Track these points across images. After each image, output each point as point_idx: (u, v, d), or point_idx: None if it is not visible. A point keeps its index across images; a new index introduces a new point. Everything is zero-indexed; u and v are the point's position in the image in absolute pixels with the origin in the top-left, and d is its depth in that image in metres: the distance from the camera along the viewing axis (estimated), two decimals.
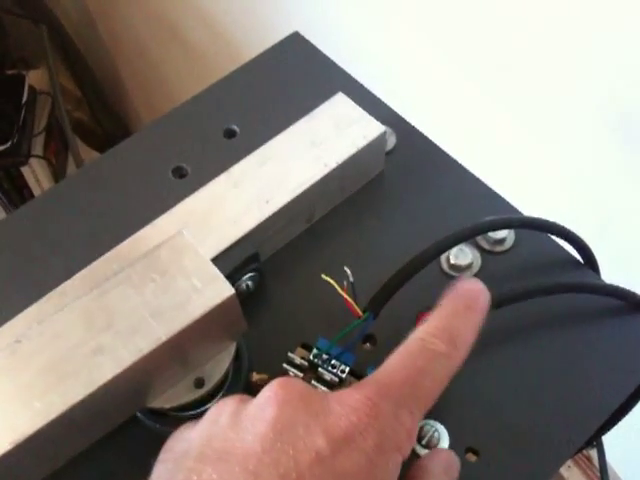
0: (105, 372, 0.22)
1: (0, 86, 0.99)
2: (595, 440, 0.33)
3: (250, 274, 0.28)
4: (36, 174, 0.96)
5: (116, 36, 1.05)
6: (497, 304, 0.28)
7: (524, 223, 0.30)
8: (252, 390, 0.27)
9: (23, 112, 0.96)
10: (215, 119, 0.36)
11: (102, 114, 1.21)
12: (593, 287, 0.29)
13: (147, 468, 0.25)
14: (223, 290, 0.22)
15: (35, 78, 1.03)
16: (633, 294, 0.29)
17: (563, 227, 0.29)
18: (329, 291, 0.27)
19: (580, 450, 0.32)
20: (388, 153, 0.34)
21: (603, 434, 0.34)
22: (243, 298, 0.28)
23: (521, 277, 0.30)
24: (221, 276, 0.23)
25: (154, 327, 0.22)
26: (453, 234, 0.28)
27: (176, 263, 0.23)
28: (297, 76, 0.38)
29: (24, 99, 0.97)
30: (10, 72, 1.02)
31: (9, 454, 0.21)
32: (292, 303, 0.30)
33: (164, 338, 0.22)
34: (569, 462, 0.40)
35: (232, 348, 0.25)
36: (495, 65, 0.46)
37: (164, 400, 0.24)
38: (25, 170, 0.95)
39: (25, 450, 0.22)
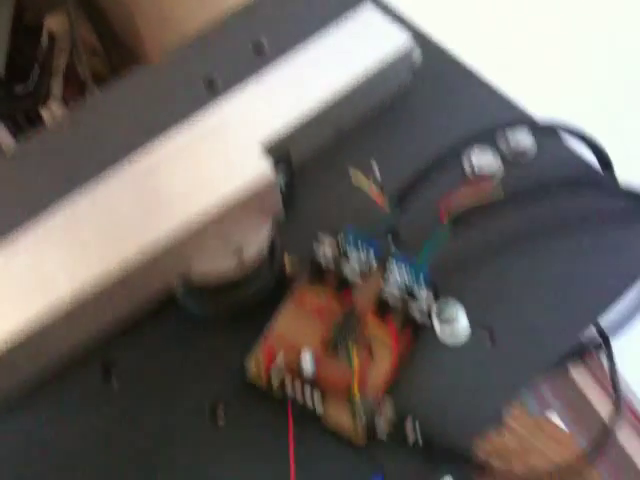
0: (153, 238, 0.23)
1: (19, 29, 1.00)
2: (604, 344, 0.34)
3: (282, 174, 0.30)
4: (55, 116, 0.97)
5: None
6: (517, 201, 0.29)
7: (543, 125, 0.31)
8: (284, 275, 0.29)
9: (42, 55, 0.97)
10: (243, 35, 0.37)
11: (118, 63, 1.22)
12: (613, 188, 0.31)
13: (185, 350, 0.27)
14: (265, 169, 0.24)
15: (53, 22, 1.04)
16: None
17: (581, 131, 0.31)
18: (358, 194, 0.28)
19: (585, 354, 0.35)
20: (414, 68, 0.36)
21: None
22: None
23: (543, 183, 0.32)
24: (263, 156, 0.24)
25: (196, 199, 0.24)
26: (474, 134, 0.29)
27: (221, 143, 0.25)
28: None
29: (43, 43, 0.98)
30: (29, 16, 1.03)
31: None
32: (321, 205, 0.31)
33: (208, 210, 0.23)
34: (582, 368, 0.42)
35: (268, 228, 0.27)
36: None
37: (205, 268, 0.26)
38: (44, 112, 0.96)
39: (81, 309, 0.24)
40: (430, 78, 0.36)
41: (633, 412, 0.43)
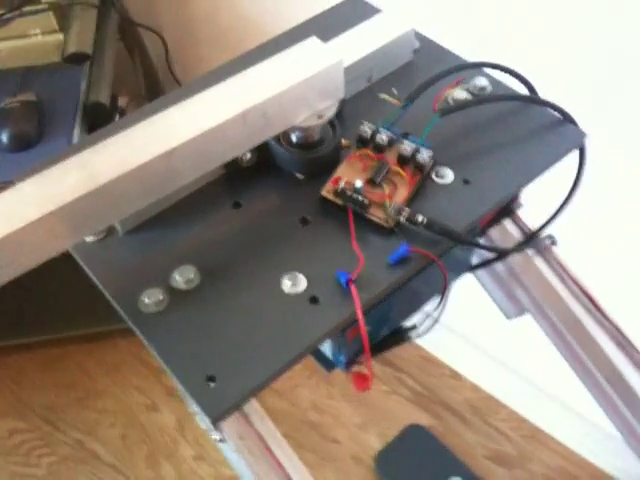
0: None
1: None
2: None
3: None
4: None
5: None
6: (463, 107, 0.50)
7: (492, 65, 0.52)
8: (340, 147, 0.49)
9: None
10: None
11: None
12: (534, 99, 0.51)
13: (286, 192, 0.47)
14: (333, 55, 0.44)
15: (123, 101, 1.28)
16: (563, 111, 0.51)
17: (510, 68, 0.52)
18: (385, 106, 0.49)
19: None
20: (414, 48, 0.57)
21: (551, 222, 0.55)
22: None
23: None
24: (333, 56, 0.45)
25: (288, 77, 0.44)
26: (457, 67, 0.51)
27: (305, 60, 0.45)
28: None
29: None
30: None
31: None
32: (361, 111, 0.51)
33: (301, 78, 0.43)
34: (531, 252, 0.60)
35: (336, 105, 0.47)
36: None
37: (302, 124, 0.46)
38: None
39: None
40: (423, 55, 0.57)
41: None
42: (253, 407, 0.49)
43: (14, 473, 1.23)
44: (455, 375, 1.33)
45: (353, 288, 0.42)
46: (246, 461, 0.49)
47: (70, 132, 0.93)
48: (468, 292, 0.73)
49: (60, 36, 0.98)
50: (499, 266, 0.64)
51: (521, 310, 0.68)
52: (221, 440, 0.53)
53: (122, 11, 1.13)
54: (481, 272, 0.67)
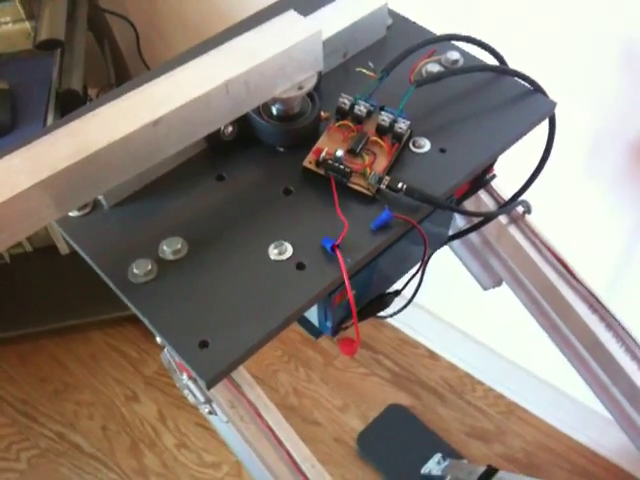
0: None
1: None
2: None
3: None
4: None
5: None
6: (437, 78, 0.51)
7: (463, 38, 0.54)
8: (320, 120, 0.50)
9: None
10: None
11: None
12: (505, 70, 0.53)
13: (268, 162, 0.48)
14: (311, 27, 0.45)
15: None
16: (533, 81, 0.53)
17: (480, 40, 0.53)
18: (361, 78, 0.50)
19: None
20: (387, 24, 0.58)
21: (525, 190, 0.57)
22: None
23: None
24: (313, 29, 0.46)
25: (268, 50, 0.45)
26: (429, 40, 0.52)
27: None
28: None
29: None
30: None
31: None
32: (338, 85, 0.52)
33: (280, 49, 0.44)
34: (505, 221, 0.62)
35: (315, 77, 0.48)
36: None
37: (281, 95, 0.46)
38: None
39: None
40: (396, 31, 0.58)
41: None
42: (242, 376, 0.50)
43: None
44: (431, 355, 1.35)
45: (338, 253, 0.43)
46: (237, 429, 0.50)
47: (43, 119, 0.92)
48: (441, 272, 0.75)
49: (30, 24, 0.98)
50: (474, 237, 0.66)
51: (497, 280, 0.70)
52: (210, 412, 0.54)
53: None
54: (457, 244, 0.69)
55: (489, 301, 1.17)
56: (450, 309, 1.27)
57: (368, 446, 1.23)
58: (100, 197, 0.47)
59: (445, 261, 0.70)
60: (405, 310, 0.55)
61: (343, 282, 0.43)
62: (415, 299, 0.54)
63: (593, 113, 0.79)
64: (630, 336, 0.61)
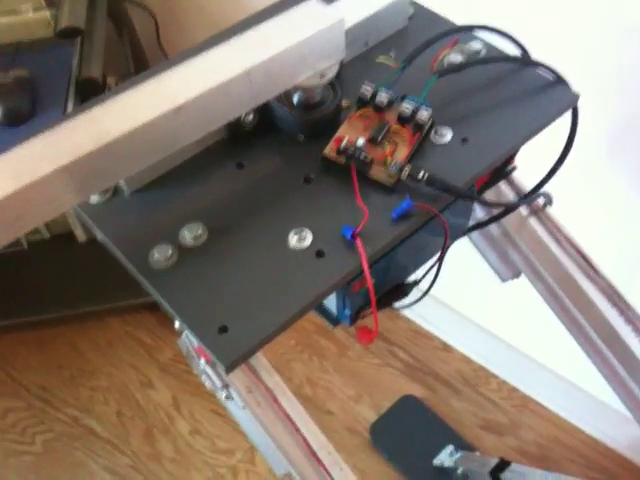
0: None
1: None
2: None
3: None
4: None
5: None
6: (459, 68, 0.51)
7: (486, 28, 0.53)
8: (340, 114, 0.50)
9: None
10: None
11: None
12: (527, 60, 0.53)
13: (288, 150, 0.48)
14: (333, 15, 0.45)
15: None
16: (556, 72, 0.52)
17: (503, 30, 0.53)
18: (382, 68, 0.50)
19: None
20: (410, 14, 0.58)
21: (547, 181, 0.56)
22: None
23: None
24: (336, 20, 0.46)
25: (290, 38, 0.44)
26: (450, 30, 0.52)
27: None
28: None
29: None
30: None
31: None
32: (359, 74, 0.52)
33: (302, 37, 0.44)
34: (527, 213, 0.61)
35: (337, 66, 0.48)
36: None
37: (304, 83, 0.46)
38: None
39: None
40: (417, 21, 0.58)
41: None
42: (260, 362, 0.50)
43: (9, 450, 1.23)
44: (446, 347, 1.35)
45: (358, 241, 0.44)
46: (254, 414, 0.50)
47: (63, 107, 0.93)
48: (457, 264, 0.75)
49: (50, 12, 0.98)
50: (494, 229, 0.66)
51: (515, 272, 0.70)
52: (228, 397, 0.54)
53: None
54: (476, 235, 0.68)
55: (505, 294, 1.16)
56: (466, 301, 1.27)
57: (381, 436, 1.24)
58: (121, 183, 0.47)
59: (461, 253, 0.70)
60: (420, 302, 0.55)
61: (362, 271, 0.44)
62: (430, 291, 0.54)
63: (617, 105, 0.78)
64: None
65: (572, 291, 0.62)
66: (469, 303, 1.27)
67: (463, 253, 0.70)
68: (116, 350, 1.37)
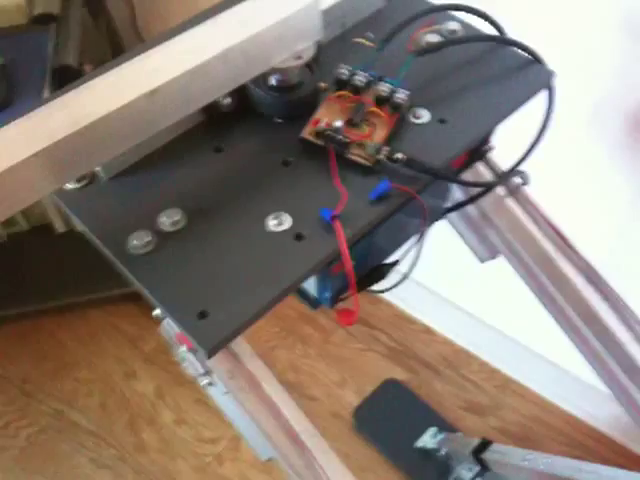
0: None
1: None
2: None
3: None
4: None
5: None
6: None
7: (462, 8, 0.53)
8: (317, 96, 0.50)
9: None
10: None
11: None
12: (503, 39, 0.53)
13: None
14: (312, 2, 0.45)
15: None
16: (532, 50, 0.53)
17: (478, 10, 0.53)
18: (359, 48, 0.50)
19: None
20: None
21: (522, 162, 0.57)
22: None
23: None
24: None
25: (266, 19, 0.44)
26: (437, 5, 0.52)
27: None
28: None
29: None
30: None
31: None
32: (338, 55, 0.52)
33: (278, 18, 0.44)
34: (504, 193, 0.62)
35: (314, 47, 0.48)
36: None
37: (280, 65, 0.46)
38: None
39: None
40: (396, 2, 0.58)
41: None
42: (242, 347, 0.50)
43: None
44: (427, 330, 1.36)
45: (337, 223, 0.44)
46: (237, 400, 0.50)
47: (39, 95, 0.91)
48: (436, 247, 0.75)
49: None
50: (472, 210, 0.66)
51: (494, 252, 0.70)
52: (210, 384, 0.54)
53: None
54: (455, 217, 0.69)
55: (485, 276, 1.17)
56: (446, 284, 1.28)
57: (364, 420, 1.25)
58: (98, 169, 0.47)
59: (440, 236, 0.70)
60: (401, 286, 0.56)
61: (342, 253, 0.44)
62: (411, 275, 0.54)
63: (592, 83, 0.79)
64: (626, 307, 0.61)
65: (549, 269, 0.63)
66: (450, 286, 1.28)
67: (442, 235, 0.71)
68: (99, 341, 1.36)
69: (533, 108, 0.53)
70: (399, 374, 1.31)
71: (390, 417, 1.25)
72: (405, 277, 0.55)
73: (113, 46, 1.24)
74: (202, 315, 0.41)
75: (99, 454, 1.21)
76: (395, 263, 0.54)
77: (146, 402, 1.28)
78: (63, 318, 1.38)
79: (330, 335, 1.37)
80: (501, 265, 0.89)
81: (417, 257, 0.53)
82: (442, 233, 0.68)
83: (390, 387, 1.29)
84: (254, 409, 0.49)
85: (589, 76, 0.78)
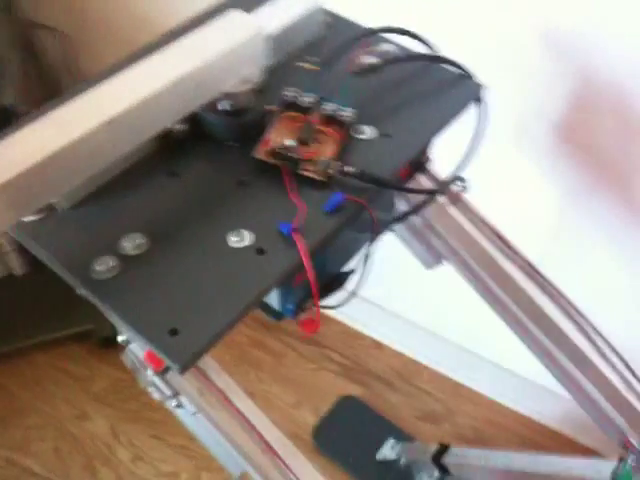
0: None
1: None
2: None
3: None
4: None
5: None
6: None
7: (395, 30, 0.57)
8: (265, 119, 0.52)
9: None
10: None
11: None
12: (434, 57, 0.57)
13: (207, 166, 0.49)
14: (255, 24, 0.48)
15: None
16: (461, 66, 0.57)
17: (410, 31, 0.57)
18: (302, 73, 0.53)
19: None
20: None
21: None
22: None
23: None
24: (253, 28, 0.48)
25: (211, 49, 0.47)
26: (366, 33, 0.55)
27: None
28: None
29: None
30: None
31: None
32: (280, 78, 0.55)
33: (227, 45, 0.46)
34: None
35: (260, 72, 0.50)
36: None
37: (229, 90, 0.48)
38: None
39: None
40: (334, 29, 0.61)
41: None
42: (209, 364, 0.51)
43: None
44: (377, 345, 1.39)
45: (296, 235, 0.46)
46: (207, 417, 0.51)
47: None
48: (380, 264, 0.78)
49: None
50: (416, 220, 0.69)
51: (439, 259, 0.74)
52: (178, 406, 0.55)
53: (19, 13, 1.11)
54: (400, 228, 0.72)
55: (428, 287, 1.21)
56: (392, 299, 1.31)
57: (324, 439, 1.26)
58: (55, 200, 0.47)
59: (382, 253, 0.73)
60: (349, 304, 0.58)
61: (303, 264, 0.46)
62: (358, 292, 0.57)
63: (520, 97, 0.84)
64: (564, 298, 0.65)
65: (491, 269, 0.67)
66: (396, 300, 1.31)
67: (384, 252, 0.73)
68: (46, 385, 1.32)
69: (469, 120, 0.57)
70: (353, 390, 1.33)
71: (349, 433, 1.26)
72: (353, 293, 0.57)
73: (50, 85, 1.24)
74: (173, 332, 0.42)
75: None
76: (351, 272, 0.57)
77: (100, 443, 1.25)
78: (6, 365, 1.34)
79: (282, 358, 1.38)
80: (443, 275, 0.94)
81: (363, 274, 0.56)
82: (383, 250, 0.71)
83: (346, 403, 1.30)
84: (225, 423, 0.51)
85: (517, 90, 0.83)
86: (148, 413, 1.28)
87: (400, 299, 1.31)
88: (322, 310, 0.51)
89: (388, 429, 1.26)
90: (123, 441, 1.26)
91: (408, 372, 1.36)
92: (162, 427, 1.26)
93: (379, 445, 1.21)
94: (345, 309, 0.57)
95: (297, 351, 1.39)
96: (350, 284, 0.58)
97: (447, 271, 0.85)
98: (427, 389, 1.34)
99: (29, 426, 1.27)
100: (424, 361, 1.37)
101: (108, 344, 1.34)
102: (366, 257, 0.55)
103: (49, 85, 1.23)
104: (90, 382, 1.33)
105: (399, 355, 1.38)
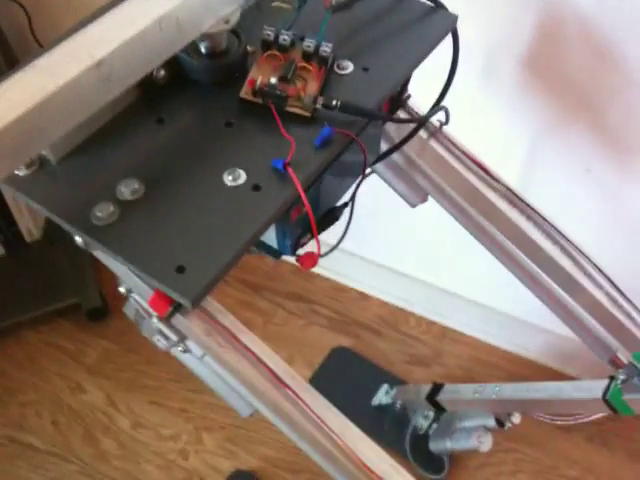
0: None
1: None
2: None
3: None
4: None
5: None
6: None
7: None
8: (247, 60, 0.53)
9: None
10: None
11: None
12: None
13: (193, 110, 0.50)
14: None
15: None
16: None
17: None
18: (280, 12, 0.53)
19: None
20: None
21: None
22: None
23: None
24: None
25: None
26: None
27: None
28: None
29: None
30: None
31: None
32: (259, 19, 0.55)
33: None
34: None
35: (239, 11, 0.51)
36: None
37: (209, 31, 0.49)
38: None
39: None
40: None
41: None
42: (214, 305, 0.52)
43: None
44: (363, 296, 1.41)
45: (290, 169, 0.47)
46: (216, 356, 0.53)
47: None
48: (360, 216, 0.79)
49: None
50: (398, 158, 0.71)
51: (423, 196, 0.75)
52: (185, 351, 0.56)
53: None
54: (383, 168, 0.73)
55: (407, 233, 1.23)
56: (373, 248, 1.33)
57: (319, 390, 1.28)
58: (45, 152, 0.48)
59: (363, 203, 0.74)
60: (333, 259, 0.59)
61: (299, 198, 0.47)
62: (340, 245, 0.58)
63: (485, 27, 0.85)
64: (548, 222, 0.67)
65: (476, 200, 0.68)
66: (377, 249, 1.33)
67: (365, 202, 0.74)
68: (39, 362, 1.32)
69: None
70: (343, 341, 1.35)
71: (343, 383, 1.29)
72: (337, 245, 0.58)
73: (5, 54, 1.21)
74: (180, 269, 0.43)
75: (61, 473, 1.19)
76: (345, 205, 0.58)
77: (99, 413, 1.26)
78: None
79: (271, 317, 1.40)
80: (423, 218, 0.95)
81: (346, 228, 0.57)
82: (363, 199, 0.72)
83: (337, 354, 1.33)
84: (234, 361, 0.52)
85: (484, 23, 0.84)
86: (143, 380, 1.29)
87: (381, 248, 1.33)
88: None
89: (381, 376, 1.29)
90: (122, 409, 1.27)
91: (395, 319, 1.39)
92: (159, 392, 1.28)
93: (373, 392, 1.24)
94: (330, 264, 0.58)
95: (286, 309, 1.41)
96: (332, 239, 0.59)
97: (427, 215, 0.87)
98: (414, 334, 1.37)
99: (26, 403, 1.27)
100: (409, 308, 1.40)
101: (96, 316, 1.34)
102: (362, 177, 0.56)
103: (6, 56, 1.21)
104: (82, 355, 1.34)
105: (385, 304, 1.41)
